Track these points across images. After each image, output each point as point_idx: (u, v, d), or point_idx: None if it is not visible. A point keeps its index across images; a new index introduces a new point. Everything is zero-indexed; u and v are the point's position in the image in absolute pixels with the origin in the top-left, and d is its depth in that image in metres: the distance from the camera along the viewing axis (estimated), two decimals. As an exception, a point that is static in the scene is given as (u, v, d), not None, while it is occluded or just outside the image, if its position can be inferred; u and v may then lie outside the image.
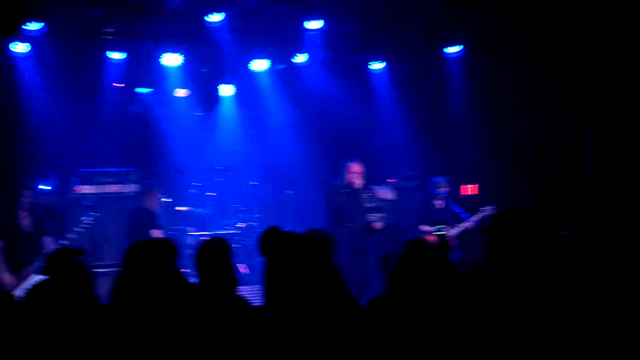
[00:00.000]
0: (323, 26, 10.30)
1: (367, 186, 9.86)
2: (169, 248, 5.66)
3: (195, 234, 11.19)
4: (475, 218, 10.50)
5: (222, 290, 4.82)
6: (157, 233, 9.84)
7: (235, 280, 4.95)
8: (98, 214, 9.58)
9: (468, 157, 12.54)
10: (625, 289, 4.95)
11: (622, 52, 10.40)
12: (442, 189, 10.73)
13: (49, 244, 9.08)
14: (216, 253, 4.99)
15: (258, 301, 4.77)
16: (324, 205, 10.02)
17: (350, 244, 9.45)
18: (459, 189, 12.18)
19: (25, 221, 9.07)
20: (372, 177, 10.24)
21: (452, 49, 11.55)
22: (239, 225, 11.75)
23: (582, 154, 11.24)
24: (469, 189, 12.38)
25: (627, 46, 10.24)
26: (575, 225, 10.80)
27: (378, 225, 9.80)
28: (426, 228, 10.42)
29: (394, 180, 12.23)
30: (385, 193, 10.60)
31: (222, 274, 4.89)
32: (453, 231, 10.47)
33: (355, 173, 9.75)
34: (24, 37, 9.73)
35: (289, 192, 12.65)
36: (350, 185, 9.70)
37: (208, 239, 5.26)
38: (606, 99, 11.02)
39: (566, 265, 5.37)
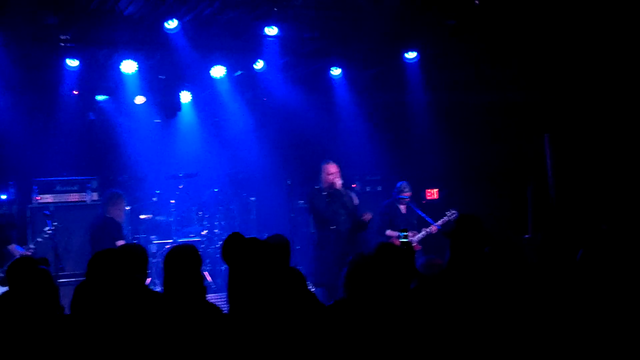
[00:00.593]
0: (280, 32, 10.29)
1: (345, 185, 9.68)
2: (138, 255, 5.62)
3: (159, 242, 11.12)
4: (439, 222, 10.51)
5: (191, 298, 4.74)
6: (122, 244, 9.57)
7: (203, 288, 4.87)
8: (58, 223, 9.47)
9: (430, 161, 12.62)
10: (587, 289, 5.01)
11: (579, 58, 10.57)
12: (405, 194, 10.74)
13: (14, 253, 8.99)
14: (186, 260, 4.89)
15: (224, 308, 4.75)
16: (308, 211, 9.85)
17: (336, 247, 9.28)
18: (423, 193, 12.25)
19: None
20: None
21: (412, 55, 11.59)
22: (203, 232, 11.69)
23: (544, 157, 11.37)
24: (434, 193, 12.47)
25: (583, 52, 10.42)
26: (538, 228, 10.91)
27: (367, 216, 9.60)
28: (391, 233, 10.43)
29: (354, 185, 12.29)
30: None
31: (191, 281, 4.80)
32: (417, 235, 10.49)
33: (333, 174, 9.54)
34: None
35: (251, 198, 12.61)
36: (331, 186, 9.49)
37: (177, 246, 5.17)
38: (565, 103, 11.18)
39: (529, 267, 5.42)
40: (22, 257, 6.18)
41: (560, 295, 4.94)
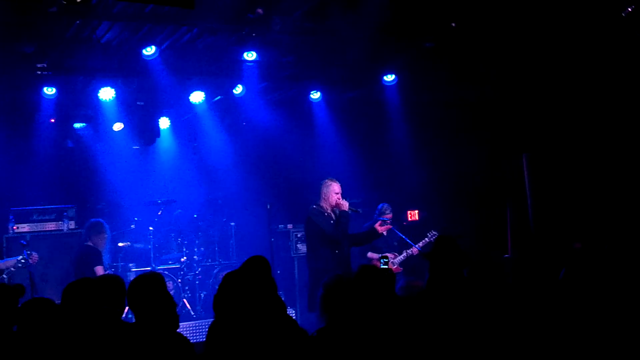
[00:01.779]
0: (259, 57, 10.30)
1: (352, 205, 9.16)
2: (114, 286, 5.50)
3: (137, 270, 11.02)
4: (420, 244, 10.46)
5: (160, 329, 4.61)
6: (101, 270, 9.66)
7: (174, 316, 4.74)
8: (34, 252, 9.43)
9: (411, 182, 12.62)
10: (566, 308, 5.02)
11: (557, 79, 10.65)
12: (386, 215, 10.70)
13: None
14: (149, 289, 4.76)
15: (202, 337, 4.70)
16: (306, 232, 9.30)
17: (340, 271, 8.25)
18: (404, 215, 12.23)
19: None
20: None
21: (390, 77, 11.65)
22: (182, 259, 11.61)
23: (522, 176, 11.40)
24: (415, 215, 12.45)
25: (561, 72, 10.49)
26: (517, 248, 10.92)
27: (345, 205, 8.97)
28: (372, 255, 10.39)
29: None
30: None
31: (158, 311, 4.68)
32: (398, 257, 10.45)
33: (339, 193, 9.05)
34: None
35: (231, 223, 12.55)
36: (337, 206, 8.98)
37: (140, 275, 5.06)
38: (542, 123, 11.23)
39: (507, 287, 5.45)
40: None
41: (538, 315, 4.94)
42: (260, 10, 8.85)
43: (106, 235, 10.14)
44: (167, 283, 8.96)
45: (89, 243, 9.93)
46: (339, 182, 9.15)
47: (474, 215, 12.02)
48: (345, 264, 8.85)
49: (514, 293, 5.43)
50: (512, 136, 11.78)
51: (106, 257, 10.34)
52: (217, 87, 11.77)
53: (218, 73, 11.08)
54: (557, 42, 9.74)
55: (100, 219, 10.34)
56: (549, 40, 9.69)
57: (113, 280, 5.65)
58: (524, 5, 8.81)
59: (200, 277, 11.60)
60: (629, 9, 8.67)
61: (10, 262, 9.13)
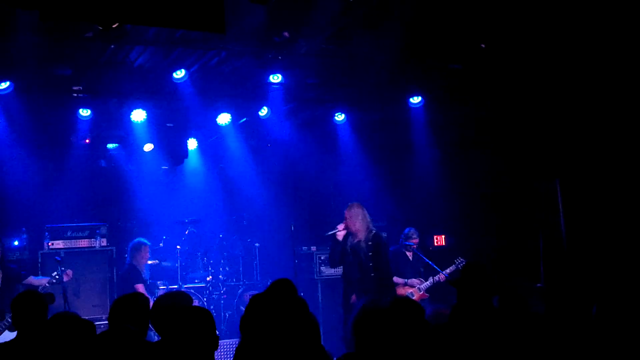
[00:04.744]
0: (284, 80, 10.42)
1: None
2: (137, 305, 5.57)
3: (165, 288, 11.18)
4: (447, 270, 10.38)
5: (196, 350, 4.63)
6: (141, 288, 10.15)
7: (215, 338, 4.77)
8: (67, 269, 9.64)
9: (438, 206, 12.50)
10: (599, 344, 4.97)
11: (592, 99, 10.50)
12: (412, 240, 10.67)
13: (33, 283, 9.45)
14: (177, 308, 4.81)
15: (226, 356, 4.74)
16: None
17: (344, 298, 8.90)
18: (430, 240, 12.11)
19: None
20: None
21: (416, 99, 11.64)
22: (208, 278, 11.75)
23: (556, 202, 11.15)
24: (441, 240, 12.32)
25: (596, 92, 10.35)
26: (550, 277, 10.71)
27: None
28: (398, 280, 10.33)
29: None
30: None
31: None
32: (425, 284, 10.41)
33: (346, 218, 9.21)
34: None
35: (255, 244, 12.64)
36: (359, 233, 9.11)
37: (166, 293, 5.05)
38: (576, 146, 11.06)
39: (534, 318, 5.39)
40: (28, 290, 6.39)
41: (571, 348, 4.88)
42: (286, 34, 8.98)
43: (144, 253, 10.69)
44: (193, 302, 9.10)
45: (132, 262, 10.57)
46: (357, 206, 9.32)
47: (504, 242, 11.82)
48: (353, 290, 8.86)
49: (545, 324, 5.35)
50: (545, 159, 11.56)
51: (147, 273, 10.87)
52: (243, 109, 11.93)
53: (244, 95, 11.25)
54: (593, 64, 9.54)
55: (141, 238, 10.84)
56: (584, 62, 9.51)
57: (137, 299, 5.75)
58: (559, 23, 8.63)
59: (225, 296, 11.71)
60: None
61: (44, 279, 9.45)
